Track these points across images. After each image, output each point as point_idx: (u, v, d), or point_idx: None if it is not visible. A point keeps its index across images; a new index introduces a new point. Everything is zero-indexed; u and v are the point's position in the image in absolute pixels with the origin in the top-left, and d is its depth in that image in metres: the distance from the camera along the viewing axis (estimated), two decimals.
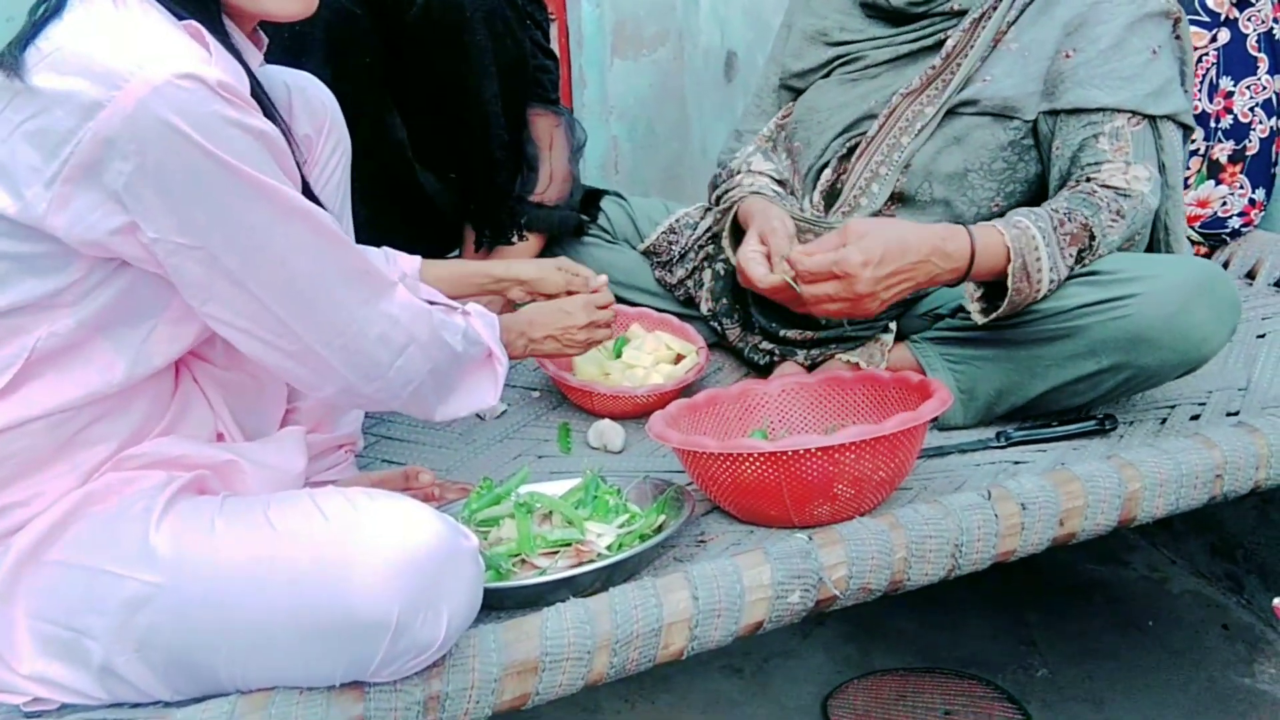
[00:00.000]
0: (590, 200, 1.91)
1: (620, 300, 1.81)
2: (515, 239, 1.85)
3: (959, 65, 1.45)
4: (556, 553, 1.14)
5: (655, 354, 1.61)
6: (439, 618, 0.90)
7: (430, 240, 2.00)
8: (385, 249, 1.39)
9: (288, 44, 1.57)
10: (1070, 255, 1.29)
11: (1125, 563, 1.94)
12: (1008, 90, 1.41)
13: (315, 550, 0.91)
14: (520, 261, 1.62)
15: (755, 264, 1.33)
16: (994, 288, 1.32)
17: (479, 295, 1.49)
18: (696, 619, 1.01)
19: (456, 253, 1.97)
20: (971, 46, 1.44)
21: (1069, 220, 1.30)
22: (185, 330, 1.00)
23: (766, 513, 1.19)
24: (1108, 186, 1.34)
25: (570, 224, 1.87)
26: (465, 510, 1.25)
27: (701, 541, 1.19)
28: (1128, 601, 1.88)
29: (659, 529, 1.18)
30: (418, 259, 1.41)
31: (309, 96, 1.24)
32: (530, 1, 1.91)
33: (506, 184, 1.86)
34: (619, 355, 1.64)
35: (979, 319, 1.31)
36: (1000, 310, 1.28)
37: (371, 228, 1.41)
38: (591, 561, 1.12)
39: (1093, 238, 1.30)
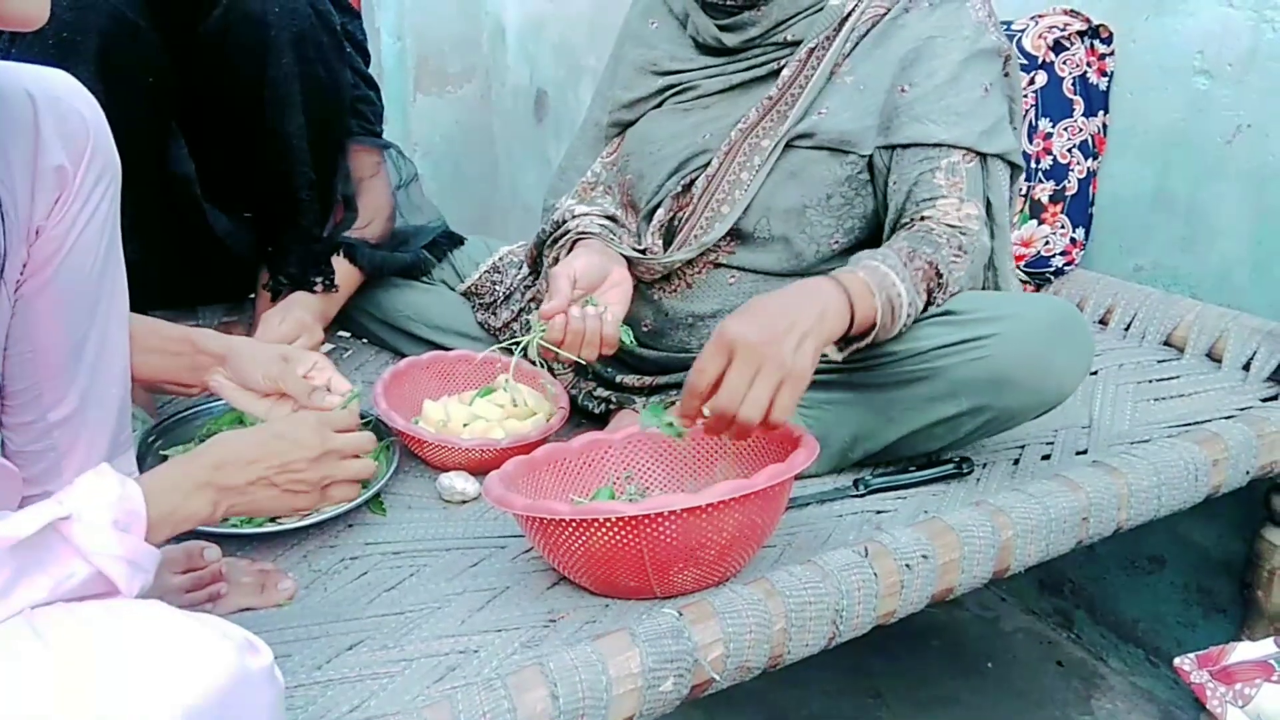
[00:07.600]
0: (449, 241, 1.76)
1: (438, 346, 1.67)
2: (318, 287, 1.66)
3: (794, 97, 1.39)
4: None
5: (506, 408, 1.45)
6: None
7: (220, 285, 1.80)
8: None
9: (52, 53, 1.33)
10: (922, 290, 1.24)
11: (958, 601, 1.93)
12: (845, 124, 1.37)
13: (41, 713, 0.68)
14: (237, 338, 1.28)
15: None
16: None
17: (169, 376, 1.23)
18: None
19: (252, 297, 1.76)
20: (808, 78, 1.39)
21: (915, 257, 1.25)
22: None
23: (624, 583, 1.05)
24: (943, 224, 1.31)
25: (395, 265, 1.70)
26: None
27: (551, 621, 1.04)
28: (964, 643, 1.86)
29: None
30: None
31: (63, 113, 0.94)
32: (350, 22, 1.73)
33: (311, 228, 1.66)
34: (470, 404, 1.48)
35: (836, 355, 1.23)
36: (863, 343, 1.20)
37: (145, 267, 1.18)
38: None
39: (940, 274, 1.25)
